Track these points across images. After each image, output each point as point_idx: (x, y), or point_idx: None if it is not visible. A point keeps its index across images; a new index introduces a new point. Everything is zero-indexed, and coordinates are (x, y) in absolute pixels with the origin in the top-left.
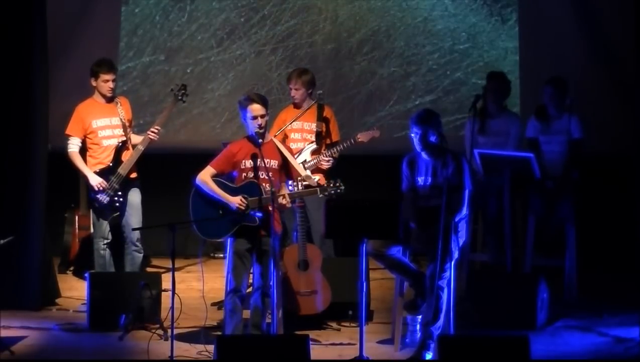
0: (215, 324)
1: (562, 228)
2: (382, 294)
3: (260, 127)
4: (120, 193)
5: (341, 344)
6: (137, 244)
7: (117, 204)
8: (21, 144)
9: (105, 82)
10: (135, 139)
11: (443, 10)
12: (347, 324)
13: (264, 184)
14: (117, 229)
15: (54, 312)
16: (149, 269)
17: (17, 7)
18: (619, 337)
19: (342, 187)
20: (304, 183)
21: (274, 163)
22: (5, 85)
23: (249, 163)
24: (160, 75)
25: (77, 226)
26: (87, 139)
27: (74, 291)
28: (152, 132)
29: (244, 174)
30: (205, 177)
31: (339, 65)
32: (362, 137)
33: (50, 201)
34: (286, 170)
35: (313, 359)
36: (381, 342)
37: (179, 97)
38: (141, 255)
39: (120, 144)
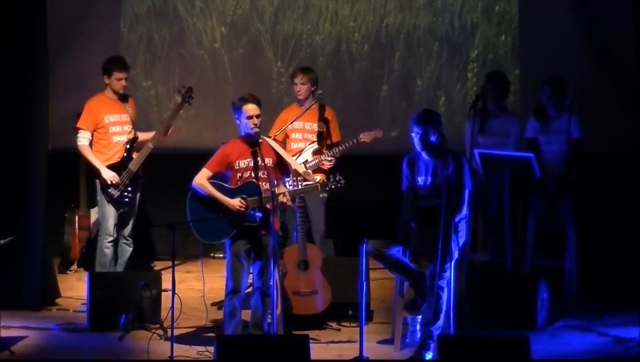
0: (215, 324)
1: (562, 228)
2: (382, 294)
3: (256, 126)
4: (130, 188)
5: (340, 341)
6: (128, 238)
7: (127, 200)
8: (21, 144)
9: (118, 80)
10: (143, 136)
11: (443, 10)
12: (347, 324)
13: (261, 183)
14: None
15: (54, 312)
16: (152, 265)
17: (17, 7)
18: (619, 337)
19: (343, 182)
20: (304, 181)
21: (268, 161)
22: (6, 85)
23: (243, 163)
24: (160, 74)
25: (77, 226)
26: (96, 134)
27: (74, 291)
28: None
29: (239, 174)
30: (202, 180)
31: (339, 65)
32: (364, 137)
33: (50, 201)
34: (280, 167)
35: (313, 359)
36: (381, 342)
37: (186, 100)
38: (130, 249)
39: (130, 140)
